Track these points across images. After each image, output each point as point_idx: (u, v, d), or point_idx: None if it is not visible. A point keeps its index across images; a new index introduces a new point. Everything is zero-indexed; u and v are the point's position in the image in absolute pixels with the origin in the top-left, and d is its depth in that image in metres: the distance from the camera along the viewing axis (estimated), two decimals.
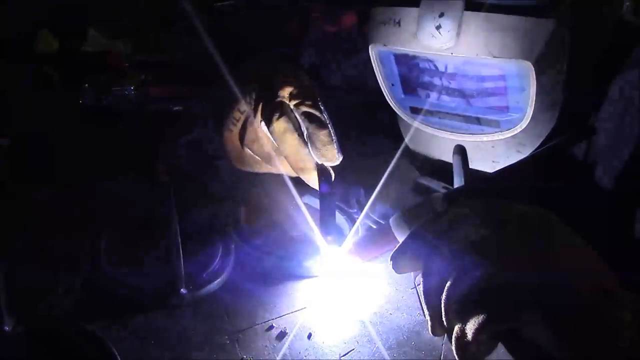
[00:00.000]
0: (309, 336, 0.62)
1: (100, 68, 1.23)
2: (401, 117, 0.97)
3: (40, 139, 1.00)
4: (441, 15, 0.80)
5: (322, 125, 0.82)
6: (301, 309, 0.66)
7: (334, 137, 0.82)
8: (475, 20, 0.79)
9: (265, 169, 0.94)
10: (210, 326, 0.64)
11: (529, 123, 0.84)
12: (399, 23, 0.85)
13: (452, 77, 0.86)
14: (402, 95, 0.94)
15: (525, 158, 0.72)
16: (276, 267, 0.73)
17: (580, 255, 0.48)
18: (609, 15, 0.85)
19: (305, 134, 0.83)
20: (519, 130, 0.85)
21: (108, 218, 0.80)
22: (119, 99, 1.11)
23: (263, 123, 0.86)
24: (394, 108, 0.96)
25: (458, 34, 0.80)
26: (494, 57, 0.79)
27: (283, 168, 0.90)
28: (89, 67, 1.22)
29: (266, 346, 0.61)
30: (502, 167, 0.74)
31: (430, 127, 0.93)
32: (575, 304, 0.43)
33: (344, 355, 0.61)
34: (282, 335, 0.63)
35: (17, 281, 0.65)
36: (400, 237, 0.59)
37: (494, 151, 0.88)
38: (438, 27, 0.80)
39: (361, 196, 0.90)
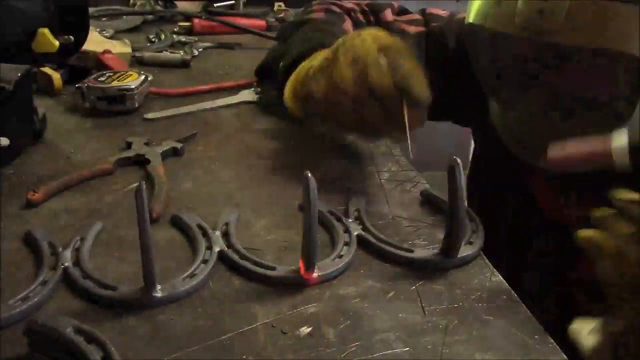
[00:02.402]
0: (309, 336, 0.62)
1: (99, 68, 1.23)
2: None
3: (40, 139, 1.01)
4: None
5: None
6: (302, 308, 0.67)
7: None
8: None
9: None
10: (210, 326, 0.64)
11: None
12: None
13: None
14: None
15: None
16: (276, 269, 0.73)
17: None
18: None
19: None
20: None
21: (108, 217, 0.80)
22: (118, 99, 1.12)
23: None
24: None
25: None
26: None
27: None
28: (89, 67, 1.23)
29: (266, 346, 0.61)
30: None
31: None
32: None
33: (344, 355, 0.61)
34: (282, 335, 0.63)
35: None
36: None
37: None
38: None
39: (362, 205, 0.85)
